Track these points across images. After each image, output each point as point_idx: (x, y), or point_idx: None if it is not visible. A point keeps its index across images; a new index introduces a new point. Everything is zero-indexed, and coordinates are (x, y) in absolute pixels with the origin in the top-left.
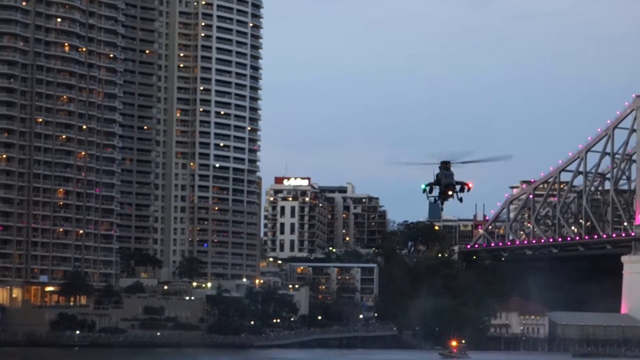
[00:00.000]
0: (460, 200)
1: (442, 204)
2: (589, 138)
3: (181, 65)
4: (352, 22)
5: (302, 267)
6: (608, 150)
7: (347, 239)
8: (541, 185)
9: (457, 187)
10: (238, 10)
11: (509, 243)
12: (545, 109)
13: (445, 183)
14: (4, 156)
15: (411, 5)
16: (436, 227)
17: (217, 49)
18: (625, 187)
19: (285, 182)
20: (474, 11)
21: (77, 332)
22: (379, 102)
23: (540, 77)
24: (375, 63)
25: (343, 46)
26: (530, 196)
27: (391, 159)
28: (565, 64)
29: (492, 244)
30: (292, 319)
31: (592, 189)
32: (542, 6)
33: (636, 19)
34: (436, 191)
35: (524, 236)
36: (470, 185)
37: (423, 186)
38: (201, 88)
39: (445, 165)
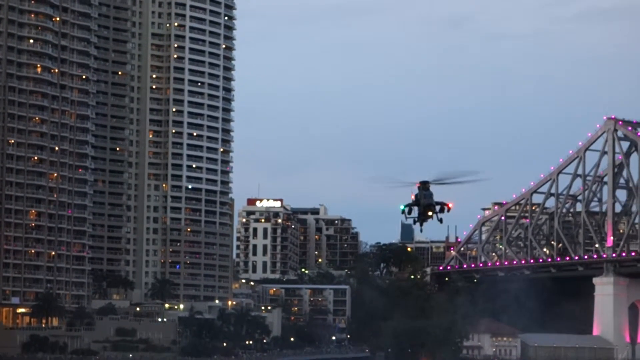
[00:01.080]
0: (440, 221)
1: (422, 224)
2: (561, 160)
3: (154, 87)
4: (325, 44)
5: (274, 289)
6: (579, 172)
7: (320, 260)
8: (513, 207)
9: (437, 208)
10: (210, 32)
11: (481, 265)
12: (517, 131)
13: (425, 203)
14: None
15: (384, 27)
16: (408, 249)
17: (190, 70)
18: (597, 209)
19: (258, 203)
20: (449, 33)
21: (49, 354)
22: (352, 123)
23: (513, 99)
24: (348, 85)
25: (316, 68)
26: (502, 218)
27: (370, 178)
28: (538, 86)
29: (465, 266)
30: (264, 341)
31: (564, 210)
32: (517, 28)
33: (609, 41)
34: (415, 212)
35: (496, 258)
36: (450, 205)
37: (402, 207)
38: (174, 109)
39: (424, 185)
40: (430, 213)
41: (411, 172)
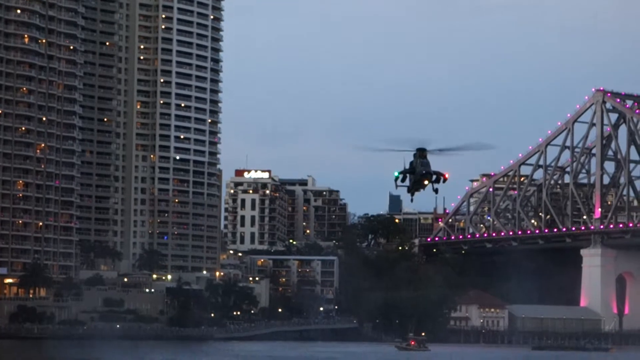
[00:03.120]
0: (436, 191)
1: (413, 194)
2: (549, 132)
3: (141, 57)
4: (314, 15)
5: (262, 260)
6: (568, 143)
7: (308, 231)
8: (501, 179)
9: (433, 177)
10: (199, 3)
11: (469, 236)
12: (505, 103)
13: (422, 172)
14: None
15: (372, 1)
16: (396, 220)
17: (178, 41)
18: (585, 181)
19: (246, 174)
20: (438, 4)
21: (37, 324)
22: (340, 94)
23: (501, 71)
24: (337, 55)
25: (305, 39)
26: (491, 189)
27: (364, 145)
28: (526, 58)
29: (452, 237)
30: (252, 312)
31: (552, 182)
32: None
33: (598, 13)
34: (409, 180)
35: (484, 229)
36: (446, 175)
37: (396, 174)
38: (161, 80)
39: (421, 153)
40: (426, 182)
41: (400, 143)
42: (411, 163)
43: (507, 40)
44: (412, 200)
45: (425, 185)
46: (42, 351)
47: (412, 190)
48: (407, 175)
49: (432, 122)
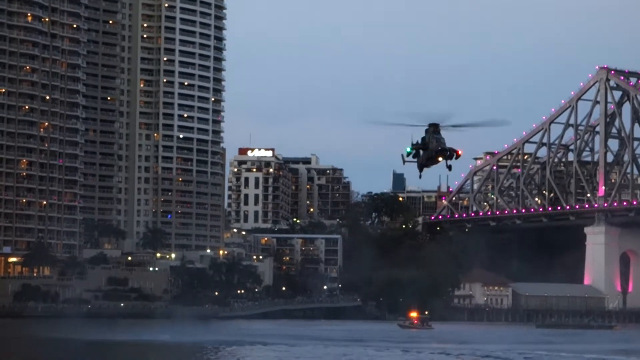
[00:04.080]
0: (449, 167)
1: (422, 170)
2: (553, 110)
3: (145, 36)
4: None
5: (266, 238)
6: (571, 121)
7: (311, 210)
8: (505, 157)
9: (447, 153)
10: None
11: (472, 214)
12: (509, 81)
13: (437, 148)
14: None
15: None
16: (400, 198)
17: (181, 19)
18: (589, 159)
19: (249, 153)
20: None
21: (41, 303)
22: (344, 73)
23: (505, 50)
24: (341, 34)
25: (309, 17)
26: (494, 167)
27: (375, 119)
28: (530, 36)
29: (456, 215)
30: (256, 290)
31: (556, 160)
32: None
33: None
34: (421, 156)
35: (487, 207)
36: (460, 152)
37: (408, 149)
38: (165, 59)
39: (435, 129)
40: (440, 159)
41: (412, 118)
42: (423, 139)
43: (511, 19)
44: (420, 176)
45: (439, 162)
46: (46, 330)
47: (423, 166)
48: (419, 150)
49: (436, 99)
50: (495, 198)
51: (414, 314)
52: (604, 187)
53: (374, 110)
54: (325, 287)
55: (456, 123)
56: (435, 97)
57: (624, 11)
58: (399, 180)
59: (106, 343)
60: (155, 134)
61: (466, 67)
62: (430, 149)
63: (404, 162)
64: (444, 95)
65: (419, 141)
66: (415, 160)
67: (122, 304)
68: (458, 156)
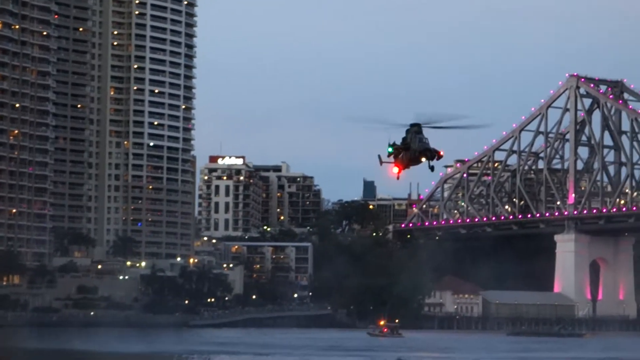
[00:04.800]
0: (432, 168)
1: (399, 172)
2: (523, 117)
3: (115, 44)
4: (288, 0)
5: (236, 246)
6: (542, 129)
7: (282, 218)
8: (475, 164)
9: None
10: None
11: (443, 222)
12: (479, 88)
13: (421, 148)
14: None
15: None
16: (370, 206)
17: (152, 27)
18: (559, 167)
19: (220, 161)
20: None
21: (10, 311)
22: (314, 80)
23: (475, 56)
24: (310, 41)
25: (277, 24)
26: (465, 175)
27: (353, 118)
28: (500, 42)
29: (427, 223)
30: (226, 298)
31: (526, 168)
32: None
33: None
34: (402, 157)
35: (458, 215)
36: (442, 153)
37: (390, 149)
38: (135, 66)
39: (417, 129)
40: (423, 159)
41: (373, 130)
42: (404, 139)
43: (481, 26)
44: (398, 177)
45: (421, 162)
46: (17, 339)
47: (403, 167)
48: (400, 151)
49: (406, 106)
50: (465, 206)
51: (383, 322)
52: (574, 195)
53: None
54: (295, 295)
55: (437, 124)
56: (403, 103)
57: (593, 19)
58: (369, 188)
59: (74, 352)
60: (126, 142)
61: (435, 75)
62: (413, 149)
63: (381, 162)
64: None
65: (396, 142)
66: (393, 161)
67: (92, 312)
68: (440, 157)
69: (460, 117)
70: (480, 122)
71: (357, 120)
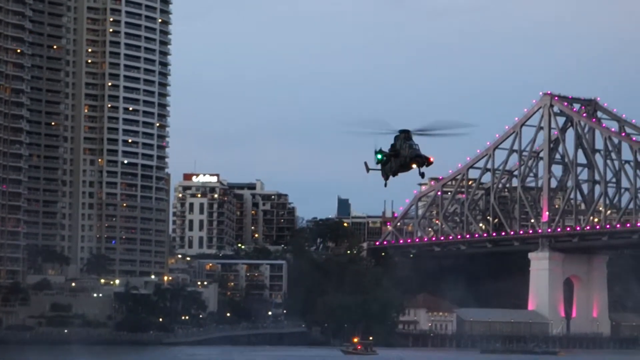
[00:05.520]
0: (422, 175)
1: (388, 178)
2: (497, 135)
3: (89, 61)
4: (263, 18)
5: (210, 264)
6: (516, 147)
7: (256, 235)
8: (449, 182)
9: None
10: (147, 6)
11: (417, 240)
12: (453, 105)
13: (412, 155)
14: None
15: (324, 1)
16: (345, 224)
17: (126, 44)
18: (533, 184)
19: (194, 178)
20: (391, 8)
21: None
22: (288, 98)
23: (450, 74)
24: (285, 59)
25: (252, 43)
26: (439, 193)
27: (343, 124)
28: (475, 61)
29: (401, 241)
30: (200, 316)
31: (500, 186)
32: (457, 4)
33: (546, 18)
34: (391, 164)
35: (432, 233)
36: (432, 159)
37: (379, 157)
38: (109, 84)
39: (407, 135)
40: (414, 166)
41: (347, 147)
42: (393, 145)
43: (455, 45)
44: (386, 185)
45: (412, 169)
46: None
47: (391, 174)
48: (390, 158)
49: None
50: (439, 224)
51: (357, 340)
52: (547, 213)
53: (320, 134)
54: (270, 313)
55: (424, 130)
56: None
57: (569, 37)
58: (343, 205)
59: None
60: (100, 159)
61: (409, 93)
62: (403, 155)
63: (368, 170)
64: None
65: (382, 148)
66: (380, 169)
67: (65, 330)
68: (430, 163)
69: (449, 124)
70: (466, 126)
71: (347, 130)
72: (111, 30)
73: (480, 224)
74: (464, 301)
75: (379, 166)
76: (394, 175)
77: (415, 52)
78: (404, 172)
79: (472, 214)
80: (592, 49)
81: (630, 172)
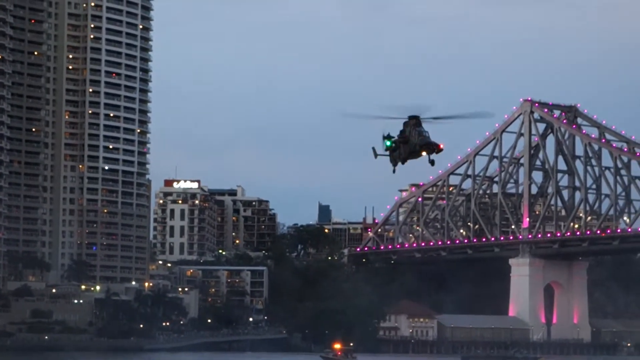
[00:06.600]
0: (432, 162)
1: (396, 165)
2: (477, 142)
3: (70, 67)
4: (244, 25)
5: (191, 270)
6: (496, 153)
7: (237, 241)
8: (430, 189)
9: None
10: (127, 13)
11: (398, 246)
12: (434, 113)
13: (422, 142)
14: None
15: (305, 8)
16: (326, 230)
17: (107, 51)
18: (513, 191)
19: (175, 184)
20: (372, 16)
21: None
22: (269, 104)
23: (431, 81)
24: (266, 66)
25: (234, 49)
26: (420, 199)
27: (346, 112)
28: (455, 68)
29: (382, 247)
30: (181, 322)
31: (481, 192)
32: (438, 12)
33: (526, 25)
34: (400, 150)
35: (413, 239)
36: (442, 146)
37: (387, 143)
38: (90, 90)
39: (416, 121)
40: (424, 153)
41: (331, 153)
42: (402, 132)
43: (436, 53)
44: (394, 171)
45: (421, 156)
46: None
47: (400, 161)
48: (398, 145)
49: (362, 133)
50: (420, 230)
51: (337, 346)
52: (528, 219)
53: (301, 141)
54: (251, 319)
55: (437, 115)
56: (359, 129)
57: (547, 45)
58: (324, 212)
59: None
60: (81, 166)
61: (389, 100)
62: (413, 142)
63: (376, 155)
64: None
65: (390, 133)
66: (388, 154)
67: (46, 337)
68: (440, 150)
69: (459, 109)
70: (481, 112)
71: (356, 115)
72: (92, 36)
73: (461, 230)
74: (444, 307)
75: (387, 152)
76: (403, 163)
77: (395, 59)
78: (413, 159)
79: (453, 220)
80: (572, 55)
81: (610, 179)
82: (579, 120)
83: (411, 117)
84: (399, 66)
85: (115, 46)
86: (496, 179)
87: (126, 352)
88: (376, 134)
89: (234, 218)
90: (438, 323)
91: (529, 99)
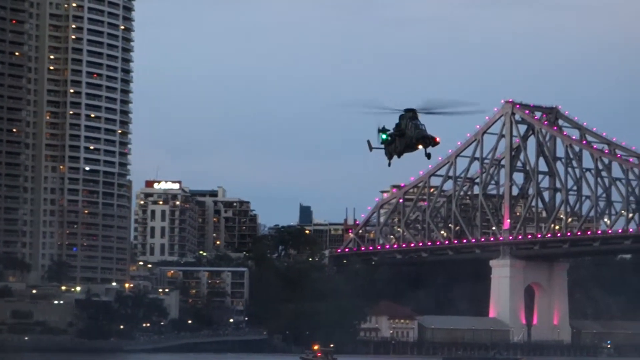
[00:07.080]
0: (429, 156)
1: (392, 158)
2: (459, 143)
3: (51, 68)
4: (226, 26)
5: (172, 271)
6: (477, 155)
7: (218, 242)
8: (411, 190)
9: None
10: (109, 13)
11: (379, 247)
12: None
13: (419, 135)
14: None
15: (288, 10)
16: (307, 231)
17: (88, 51)
18: (494, 192)
19: (156, 185)
20: (356, 17)
21: None
22: (250, 106)
23: (411, 82)
24: (248, 67)
25: (216, 50)
26: (401, 200)
27: (345, 103)
28: (437, 69)
29: (363, 248)
30: (162, 323)
31: (462, 193)
32: (419, 13)
33: (508, 27)
34: (397, 144)
35: (394, 240)
36: (438, 139)
37: (383, 137)
38: (71, 90)
39: (413, 114)
40: (420, 147)
41: (312, 154)
42: (398, 125)
43: (418, 54)
44: (389, 164)
45: (417, 149)
46: None
47: (396, 154)
48: (394, 138)
49: (342, 134)
50: (401, 231)
51: (317, 347)
52: (509, 220)
53: (282, 143)
54: (231, 320)
55: (432, 110)
56: (341, 130)
57: (528, 46)
58: (305, 213)
59: None
60: (61, 166)
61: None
62: (409, 136)
63: (371, 149)
64: (349, 129)
65: (385, 127)
66: (383, 148)
67: (26, 338)
68: (436, 143)
69: (455, 103)
70: (472, 105)
71: (354, 108)
72: (73, 37)
73: (442, 232)
74: (425, 308)
75: (382, 145)
76: (399, 156)
77: (379, 60)
78: (409, 153)
79: (434, 221)
80: (553, 57)
81: (591, 180)
82: (560, 121)
83: (407, 110)
84: (382, 67)
85: (96, 47)
86: (477, 180)
87: (106, 353)
88: (360, 133)
89: (214, 219)
90: (419, 324)
91: (510, 100)
